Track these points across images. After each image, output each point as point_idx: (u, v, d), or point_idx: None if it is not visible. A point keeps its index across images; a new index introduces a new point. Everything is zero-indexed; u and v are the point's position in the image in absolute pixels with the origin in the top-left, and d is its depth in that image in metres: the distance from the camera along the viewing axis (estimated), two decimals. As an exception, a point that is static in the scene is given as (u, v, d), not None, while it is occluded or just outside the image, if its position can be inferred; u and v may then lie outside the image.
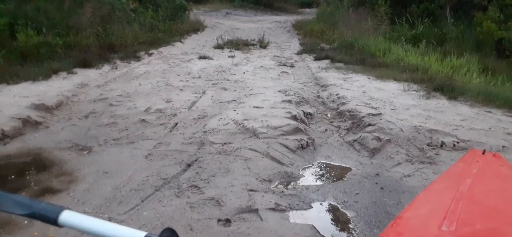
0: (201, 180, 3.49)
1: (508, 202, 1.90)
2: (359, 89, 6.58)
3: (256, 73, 7.94)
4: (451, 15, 11.94)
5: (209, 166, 3.76)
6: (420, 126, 4.78)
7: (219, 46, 11.08)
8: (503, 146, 4.33)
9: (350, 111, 5.40)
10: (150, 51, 9.68)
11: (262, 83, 6.97)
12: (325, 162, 4.16)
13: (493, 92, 6.36)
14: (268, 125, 4.69)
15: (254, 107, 5.38)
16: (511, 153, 4.22)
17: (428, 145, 4.36)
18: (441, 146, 4.36)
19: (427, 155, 4.14)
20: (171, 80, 7.07)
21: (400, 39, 10.75)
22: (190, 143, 4.31)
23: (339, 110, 5.59)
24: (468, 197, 1.82)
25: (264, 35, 12.31)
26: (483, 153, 2.55)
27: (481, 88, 6.65)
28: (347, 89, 6.59)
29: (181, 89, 6.45)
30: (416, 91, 6.50)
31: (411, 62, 8.51)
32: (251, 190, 3.34)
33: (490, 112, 5.65)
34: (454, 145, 4.35)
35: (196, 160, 3.88)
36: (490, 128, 4.90)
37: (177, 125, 4.87)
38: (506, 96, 6.20)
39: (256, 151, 4.11)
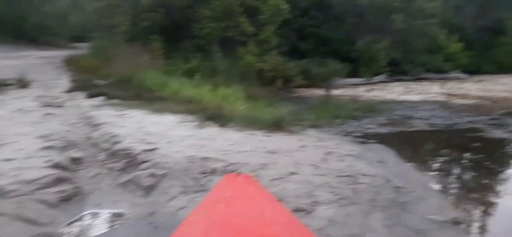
0: None
1: (254, 219, 1.98)
2: (135, 125, 6.33)
3: (11, 118, 6.65)
4: (219, 50, 13.21)
5: None
6: (194, 155, 4.88)
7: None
8: (263, 164, 4.86)
9: (124, 150, 5.07)
10: None
11: (18, 129, 5.86)
12: (94, 211, 3.70)
13: (255, 116, 7.20)
14: (20, 180, 3.87)
15: (3, 160, 4.40)
16: (270, 169, 4.76)
17: (202, 173, 4.47)
18: (213, 172, 4.54)
19: (201, 183, 4.23)
20: None
21: (176, 73, 11.14)
22: None
23: (112, 150, 5.18)
24: (220, 223, 1.78)
25: (25, 73, 10.61)
26: (237, 175, 2.64)
27: (246, 114, 7.44)
28: (122, 126, 6.23)
29: None
30: (191, 122, 6.72)
31: (187, 94, 8.86)
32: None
33: (254, 134, 6.35)
34: (224, 169, 4.61)
35: None
36: (253, 149, 5.45)
37: None
38: (266, 119, 7.11)
39: (2, 214, 3.30)
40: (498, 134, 7.37)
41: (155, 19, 13.37)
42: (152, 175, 4.29)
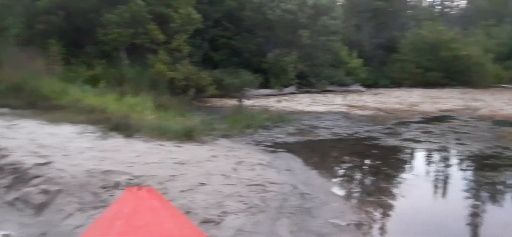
0: None
1: (155, 235, 1.86)
2: (26, 137, 5.68)
3: None
4: (127, 57, 12.59)
5: None
6: (95, 169, 4.51)
7: None
8: (172, 175, 4.68)
9: (12, 164, 4.50)
10: None
11: None
12: (-31, 236, 3.19)
13: (165, 127, 6.96)
14: None
15: None
16: (179, 180, 4.60)
17: (103, 188, 4.14)
18: (116, 186, 4.24)
19: (101, 199, 3.90)
20: None
21: (78, 80, 10.32)
22: None
23: (-3, 165, 4.56)
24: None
25: None
26: (139, 189, 2.47)
27: (155, 124, 7.16)
28: (11, 138, 5.55)
29: None
30: (93, 132, 6.25)
31: (89, 103, 8.24)
32: None
33: (163, 145, 6.11)
34: (129, 183, 4.33)
35: None
36: (161, 160, 5.23)
37: None
38: (176, 129, 6.91)
39: None
40: (391, 141, 8.10)
41: (53, 22, 12.30)
42: (45, 192, 3.85)
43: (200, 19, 14.24)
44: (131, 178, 4.42)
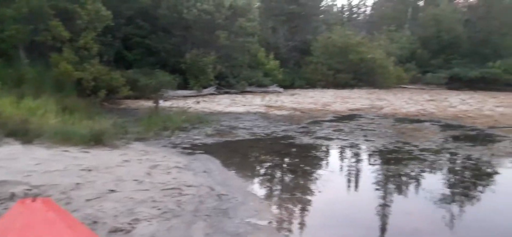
0: None
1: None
2: None
3: None
4: (26, 55, 11.39)
5: None
6: (-17, 181, 3.96)
7: None
8: (77, 183, 4.29)
9: None
10: None
11: None
12: None
13: (70, 131, 6.39)
14: None
15: None
16: (86, 188, 4.23)
17: (-6, 201, 3.64)
18: (12, 198, 3.77)
19: (-9, 214, 3.41)
20: None
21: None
22: None
23: None
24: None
25: None
26: (33, 200, 2.25)
27: (59, 128, 6.54)
28: None
29: None
30: (-17, 139, 5.50)
31: (-21, 106, 7.24)
32: None
33: (67, 151, 5.59)
34: (26, 194, 3.86)
35: None
36: (65, 167, 4.78)
37: None
38: (83, 133, 6.38)
39: None
40: (306, 140, 8.41)
41: None
42: None
43: (110, 16, 13.40)
44: (29, 188, 3.96)
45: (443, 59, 31.35)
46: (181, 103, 14.37)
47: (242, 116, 11.88)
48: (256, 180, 5.82)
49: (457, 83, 28.38)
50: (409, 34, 33.09)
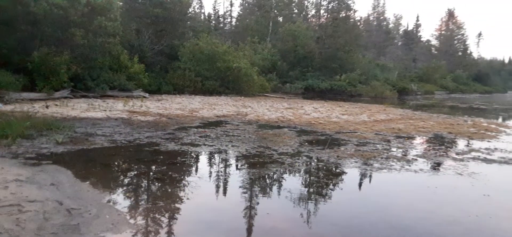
0: None
1: None
2: None
3: None
4: None
5: None
6: None
7: None
8: None
9: None
10: None
11: None
12: None
13: None
14: None
15: None
16: None
17: None
18: None
19: None
20: None
21: None
22: None
23: None
24: None
25: None
26: None
27: None
28: None
29: None
30: None
31: None
32: None
33: None
34: None
35: None
36: None
37: None
38: None
39: None
40: (172, 146, 8.17)
41: None
42: None
43: None
44: None
45: (299, 71, 34.67)
46: (26, 107, 12.57)
47: (101, 123, 10.97)
48: (115, 191, 5.36)
49: (311, 93, 31.63)
50: (270, 47, 35.60)
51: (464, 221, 4.72)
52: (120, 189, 5.46)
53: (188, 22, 32.31)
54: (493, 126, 14.05)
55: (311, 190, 5.87)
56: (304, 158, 7.74)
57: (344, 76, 33.73)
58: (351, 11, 39.67)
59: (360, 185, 6.26)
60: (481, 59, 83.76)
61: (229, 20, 51.50)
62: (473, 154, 8.63)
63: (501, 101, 38.43)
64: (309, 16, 51.19)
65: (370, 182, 6.42)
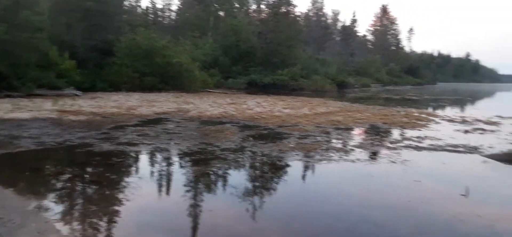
0: None
1: None
2: None
3: None
4: None
5: None
6: None
7: None
8: None
9: None
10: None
11: None
12: None
13: None
14: None
15: None
16: None
17: None
18: None
19: None
20: None
21: None
22: None
23: None
24: None
25: None
26: None
27: None
28: None
29: None
30: None
31: None
32: None
33: None
34: None
35: None
36: None
37: None
38: None
39: None
40: (107, 146, 7.72)
41: None
42: None
43: None
44: None
45: (242, 66, 34.69)
46: None
47: (27, 124, 10.12)
48: (43, 197, 4.93)
49: (254, 88, 31.77)
50: (212, 42, 35.20)
51: (398, 206, 4.95)
52: (49, 195, 5.03)
53: (124, 16, 30.93)
54: (424, 116, 15.03)
55: (254, 184, 5.83)
56: (247, 153, 7.70)
57: (286, 71, 34.32)
58: (291, 6, 40.42)
59: (302, 177, 6.34)
60: (413, 53, 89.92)
61: (168, 14, 50.25)
62: (406, 142, 9.13)
63: (431, 92, 41.47)
64: (250, 11, 51.44)
65: (311, 173, 6.53)
